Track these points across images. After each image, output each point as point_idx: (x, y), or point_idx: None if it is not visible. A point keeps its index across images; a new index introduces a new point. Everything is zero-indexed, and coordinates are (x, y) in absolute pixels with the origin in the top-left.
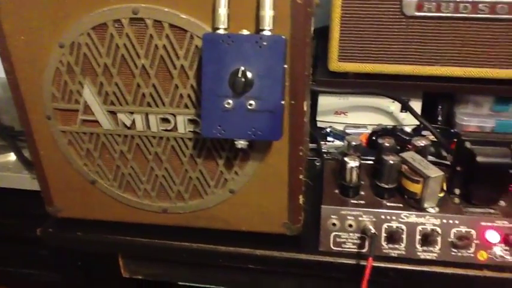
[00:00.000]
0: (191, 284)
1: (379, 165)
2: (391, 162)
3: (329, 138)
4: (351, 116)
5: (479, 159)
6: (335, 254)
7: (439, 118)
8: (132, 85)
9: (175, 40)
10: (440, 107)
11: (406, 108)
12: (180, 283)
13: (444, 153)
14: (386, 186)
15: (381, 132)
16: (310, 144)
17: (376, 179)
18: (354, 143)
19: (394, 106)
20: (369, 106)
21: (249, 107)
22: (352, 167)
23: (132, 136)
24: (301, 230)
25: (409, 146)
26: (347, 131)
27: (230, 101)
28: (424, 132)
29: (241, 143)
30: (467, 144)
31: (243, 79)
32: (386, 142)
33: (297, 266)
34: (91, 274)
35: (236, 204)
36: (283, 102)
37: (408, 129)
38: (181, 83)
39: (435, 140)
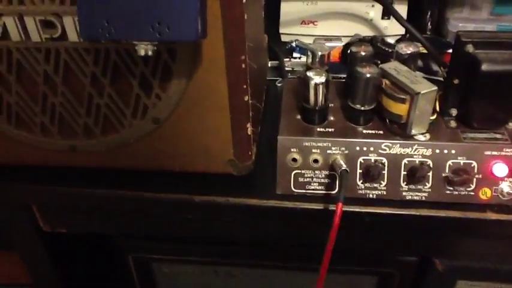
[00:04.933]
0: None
1: (353, 80)
2: (368, 75)
3: (295, 54)
4: (322, 26)
5: (484, 67)
6: (296, 198)
7: (429, 26)
8: None
9: None
10: (429, 12)
11: (389, 12)
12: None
13: (435, 68)
14: (362, 108)
15: (358, 43)
16: (272, 62)
17: (349, 100)
18: (320, 53)
19: (374, 12)
20: (343, 13)
21: None
22: (317, 84)
23: (8, 49)
24: (253, 168)
25: (392, 60)
26: (317, 44)
27: None
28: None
29: (143, 48)
30: (469, 48)
31: None
32: (362, 50)
33: (248, 214)
34: (5, 230)
35: (163, 138)
36: None
37: (391, 41)
38: None
39: (424, 52)
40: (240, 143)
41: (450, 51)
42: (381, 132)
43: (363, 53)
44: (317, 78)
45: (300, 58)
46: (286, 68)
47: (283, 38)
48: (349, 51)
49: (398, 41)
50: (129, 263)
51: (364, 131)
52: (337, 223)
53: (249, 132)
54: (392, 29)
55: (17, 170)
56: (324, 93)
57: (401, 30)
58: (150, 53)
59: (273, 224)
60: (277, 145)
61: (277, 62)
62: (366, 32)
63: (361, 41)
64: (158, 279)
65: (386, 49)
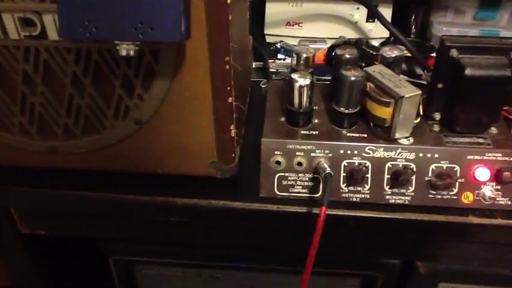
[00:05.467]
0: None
1: (337, 83)
2: (353, 78)
3: (279, 56)
4: (307, 28)
5: (468, 72)
6: (280, 201)
7: (413, 30)
8: None
9: None
10: (414, 15)
11: (373, 15)
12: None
13: (419, 71)
14: (346, 112)
15: (343, 46)
16: (256, 63)
17: (333, 103)
18: (305, 55)
19: (359, 14)
20: (328, 15)
21: None
22: (301, 86)
23: None
24: (236, 171)
25: (376, 63)
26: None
27: None
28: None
29: (124, 48)
30: (453, 53)
31: None
32: (347, 53)
33: (231, 217)
34: None
35: (146, 139)
36: None
37: (375, 43)
38: None
39: (408, 55)
40: (223, 145)
41: (434, 55)
42: (365, 135)
43: (348, 56)
44: (301, 80)
45: (284, 59)
46: (271, 70)
47: (268, 39)
48: (334, 54)
49: (382, 44)
50: (110, 265)
51: (348, 134)
52: (321, 227)
53: (233, 135)
54: (377, 32)
55: None
56: (309, 96)
57: (386, 33)
58: (132, 53)
59: (256, 227)
60: (261, 147)
61: (261, 63)
62: (350, 34)
63: (346, 43)
64: (139, 281)
65: (371, 52)
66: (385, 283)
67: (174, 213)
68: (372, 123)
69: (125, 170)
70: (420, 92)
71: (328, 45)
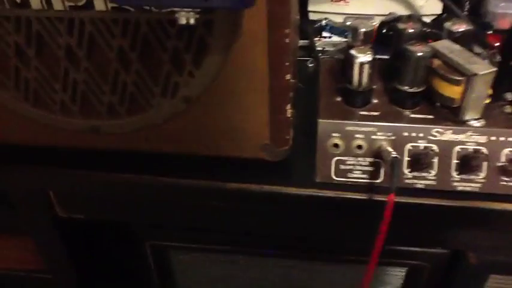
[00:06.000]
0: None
1: (400, 60)
2: (419, 53)
3: (324, 34)
4: (354, 4)
5: None
6: (338, 187)
7: (466, 7)
8: None
9: None
10: None
11: None
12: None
13: (478, 50)
14: (411, 90)
15: (404, 19)
16: (300, 41)
17: (395, 81)
18: (363, 30)
19: None
20: None
21: None
22: (362, 63)
23: (28, 19)
24: (289, 154)
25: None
26: (348, 23)
27: None
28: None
29: (184, 16)
30: None
31: None
32: (410, 27)
33: (284, 203)
34: (19, 215)
35: (195, 119)
36: None
37: (427, 20)
38: None
39: None
40: (277, 126)
41: (490, 32)
42: (431, 116)
43: (411, 30)
44: (362, 56)
45: (330, 38)
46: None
47: (312, 16)
48: (387, 35)
49: (435, 21)
50: (146, 250)
51: (412, 115)
52: (389, 216)
53: (288, 115)
54: (429, 8)
55: (34, 151)
56: (369, 73)
57: (438, 10)
58: (192, 21)
59: (310, 214)
60: (318, 129)
61: (306, 41)
62: (400, 10)
63: (397, 20)
64: (176, 267)
65: (425, 28)
66: (432, 273)
67: (222, 198)
68: (438, 104)
69: (170, 152)
70: (495, 69)
71: (377, 23)
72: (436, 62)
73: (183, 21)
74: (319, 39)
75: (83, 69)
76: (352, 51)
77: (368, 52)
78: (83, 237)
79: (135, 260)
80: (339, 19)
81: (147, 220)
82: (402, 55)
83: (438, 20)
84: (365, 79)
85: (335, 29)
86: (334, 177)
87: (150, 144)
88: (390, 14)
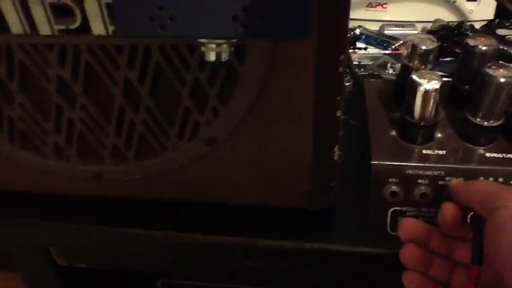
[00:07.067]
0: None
1: (477, 85)
2: (503, 80)
3: (359, 44)
4: (392, 9)
5: None
6: (395, 243)
7: None
8: None
9: None
10: None
11: None
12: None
13: None
14: (486, 124)
15: (442, 31)
16: None
17: (466, 111)
18: (424, 48)
19: None
20: None
21: None
22: (428, 92)
23: (8, 47)
24: (333, 201)
25: None
26: (386, 31)
27: None
28: (501, 31)
29: (213, 50)
30: None
31: None
32: (484, 44)
33: (328, 263)
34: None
35: (220, 164)
36: None
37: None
38: None
39: None
40: (323, 170)
41: None
42: (511, 156)
43: (485, 48)
44: (427, 83)
45: (366, 49)
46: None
47: None
48: (464, 45)
49: (488, 27)
50: None
51: (488, 155)
52: None
53: (336, 157)
54: (479, 13)
55: (29, 200)
56: (436, 104)
57: (490, 15)
58: (224, 57)
59: (358, 273)
60: (371, 173)
61: None
62: (445, 16)
63: (444, 28)
64: None
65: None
66: None
67: (251, 258)
68: None
69: (189, 200)
70: None
71: (420, 31)
72: None
73: (211, 57)
74: (353, 51)
75: (79, 107)
76: (415, 76)
77: (434, 77)
78: (87, 282)
79: None
80: (375, 27)
81: (159, 269)
82: (479, 80)
83: (488, 27)
84: (430, 110)
85: (371, 39)
86: (389, 232)
87: (164, 193)
88: (436, 20)
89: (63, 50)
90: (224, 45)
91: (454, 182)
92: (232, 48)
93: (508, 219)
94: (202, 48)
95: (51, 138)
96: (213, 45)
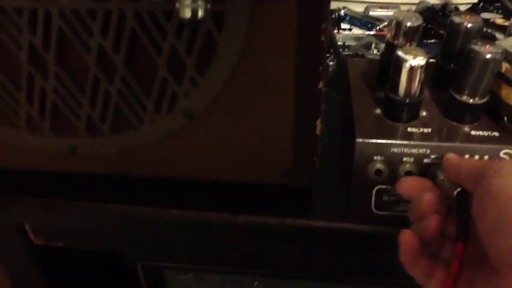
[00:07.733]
0: None
1: (462, 62)
2: (489, 55)
3: (343, 25)
4: None
5: None
6: (381, 221)
7: None
8: None
9: None
10: None
11: None
12: None
13: None
14: (471, 101)
15: (426, 13)
16: None
17: (451, 89)
18: (409, 24)
19: None
20: None
21: None
22: (413, 68)
23: None
24: (314, 178)
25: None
26: (371, 13)
27: None
28: (485, 15)
29: (189, 6)
30: None
31: None
32: (469, 21)
33: (310, 240)
34: None
35: (198, 138)
36: None
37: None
38: None
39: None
40: (303, 146)
41: None
42: (496, 133)
43: (470, 25)
44: (413, 59)
45: (350, 30)
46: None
47: None
48: (448, 23)
49: (472, 11)
50: (138, 271)
51: (473, 133)
52: (457, 268)
53: (318, 131)
54: None
55: (3, 177)
56: (421, 81)
57: None
58: (200, 14)
59: (340, 250)
60: (355, 151)
61: None
62: None
63: (429, 10)
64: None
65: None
66: None
67: (231, 234)
68: (505, 119)
69: (166, 177)
70: None
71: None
72: (505, 66)
73: (187, 14)
74: (337, 32)
75: (52, 76)
76: (401, 53)
77: (420, 53)
78: (65, 264)
79: (127, 283)
80: (359, 8)
81: (139, 251)
82: (464, 57)
83: (473, 10)
84: (415, 87)
85: (356, 20)
86: (374, 210)
87: (142, 168)
88: (421, 2)
89: (34, 14)
90: (200, 1)
91: (449, 155)
92: (209, 6)
93: (503, 186)
94: (177, 5)
95: (23, 110)
96: (188, 1)
